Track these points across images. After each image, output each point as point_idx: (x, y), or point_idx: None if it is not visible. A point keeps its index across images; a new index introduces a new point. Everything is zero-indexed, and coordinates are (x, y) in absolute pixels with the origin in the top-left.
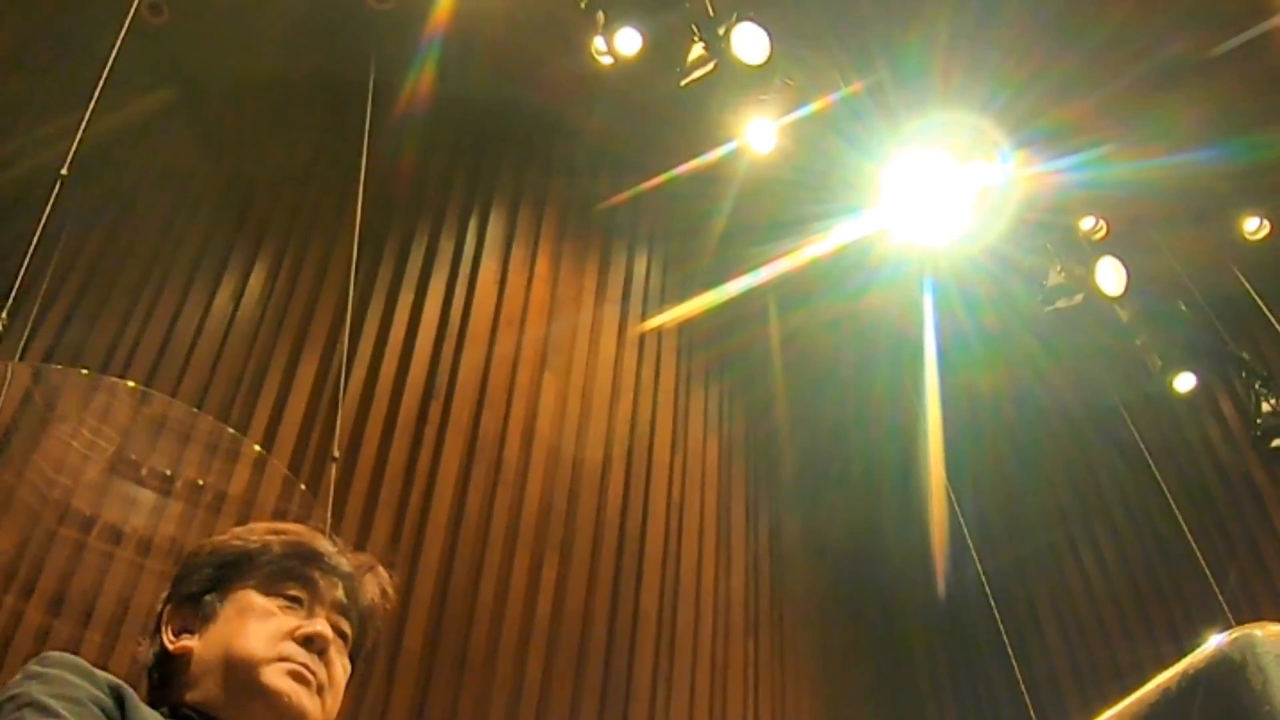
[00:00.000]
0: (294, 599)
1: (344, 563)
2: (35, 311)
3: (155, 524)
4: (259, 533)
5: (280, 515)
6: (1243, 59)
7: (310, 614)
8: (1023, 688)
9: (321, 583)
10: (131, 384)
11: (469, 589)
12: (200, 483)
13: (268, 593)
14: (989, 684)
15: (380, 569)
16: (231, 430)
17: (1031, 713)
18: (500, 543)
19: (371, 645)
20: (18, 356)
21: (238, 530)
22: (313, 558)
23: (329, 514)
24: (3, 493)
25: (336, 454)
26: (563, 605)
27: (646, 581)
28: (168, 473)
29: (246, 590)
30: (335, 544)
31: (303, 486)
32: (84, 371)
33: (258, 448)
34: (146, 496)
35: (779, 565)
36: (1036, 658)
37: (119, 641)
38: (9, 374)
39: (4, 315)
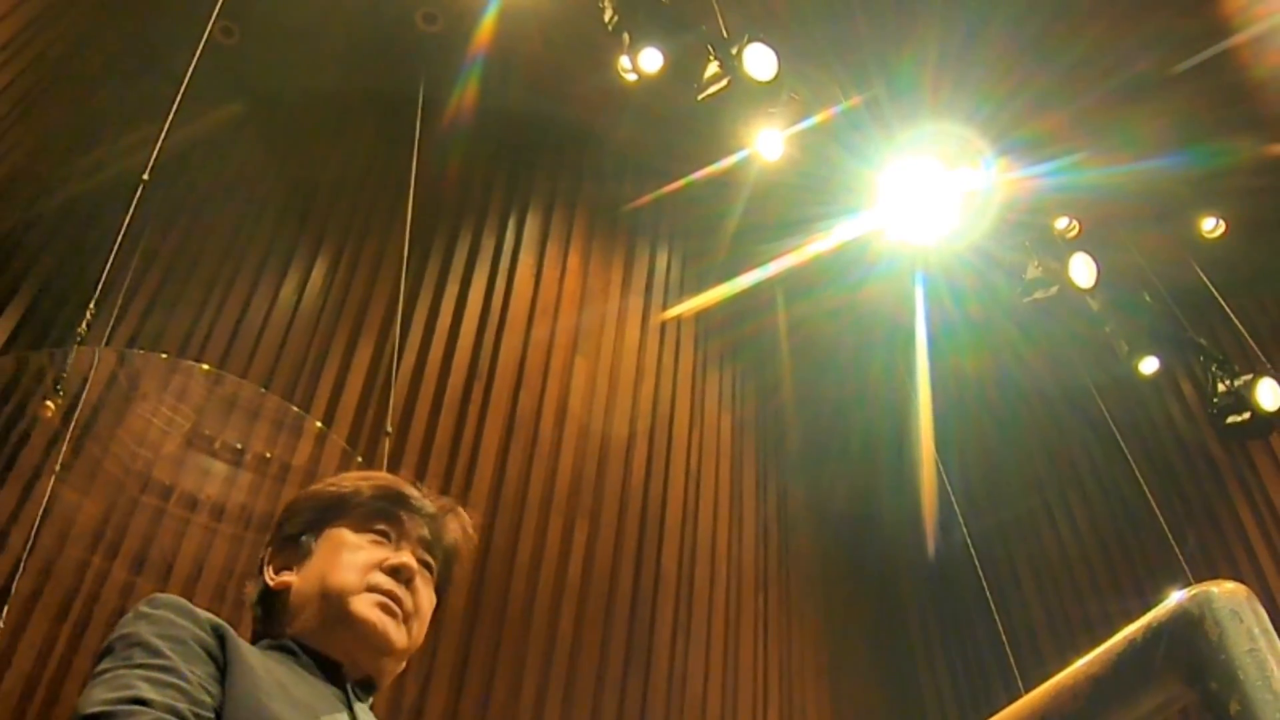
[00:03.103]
0: (383, 533)
1: (428, 504)
2: (120, 302)
3: (227, 492)
4: (351, 479)
5: None
6: (1201, 76)
7: (397, 548)
8: (1004, 638)
9: (407, 521)
10: (206, 367)
11: (508, 551)
12: (267, 455)
13: (358, 530)
14: (974, 635)
15: (461, 510)
16: (295, 408)
17: (1012, 661)
18: (536, 509)
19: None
20: (104, 342)
21: (331, 479)
22: (400, 499)
23: None
24: (91, 464)
25: (389, 430)
26: (592, 565)
27: (667, 544)
28: (238, 446)
29: (340, 529)
30: (420, 489)
31: (359, 459)
32: (163, 356)
33: (319, 424)
34: (219, 468)
35: (786, 529)
36: (1016, 612)
37: (194, 598)
38: (96, 358)
39: (92, 305)
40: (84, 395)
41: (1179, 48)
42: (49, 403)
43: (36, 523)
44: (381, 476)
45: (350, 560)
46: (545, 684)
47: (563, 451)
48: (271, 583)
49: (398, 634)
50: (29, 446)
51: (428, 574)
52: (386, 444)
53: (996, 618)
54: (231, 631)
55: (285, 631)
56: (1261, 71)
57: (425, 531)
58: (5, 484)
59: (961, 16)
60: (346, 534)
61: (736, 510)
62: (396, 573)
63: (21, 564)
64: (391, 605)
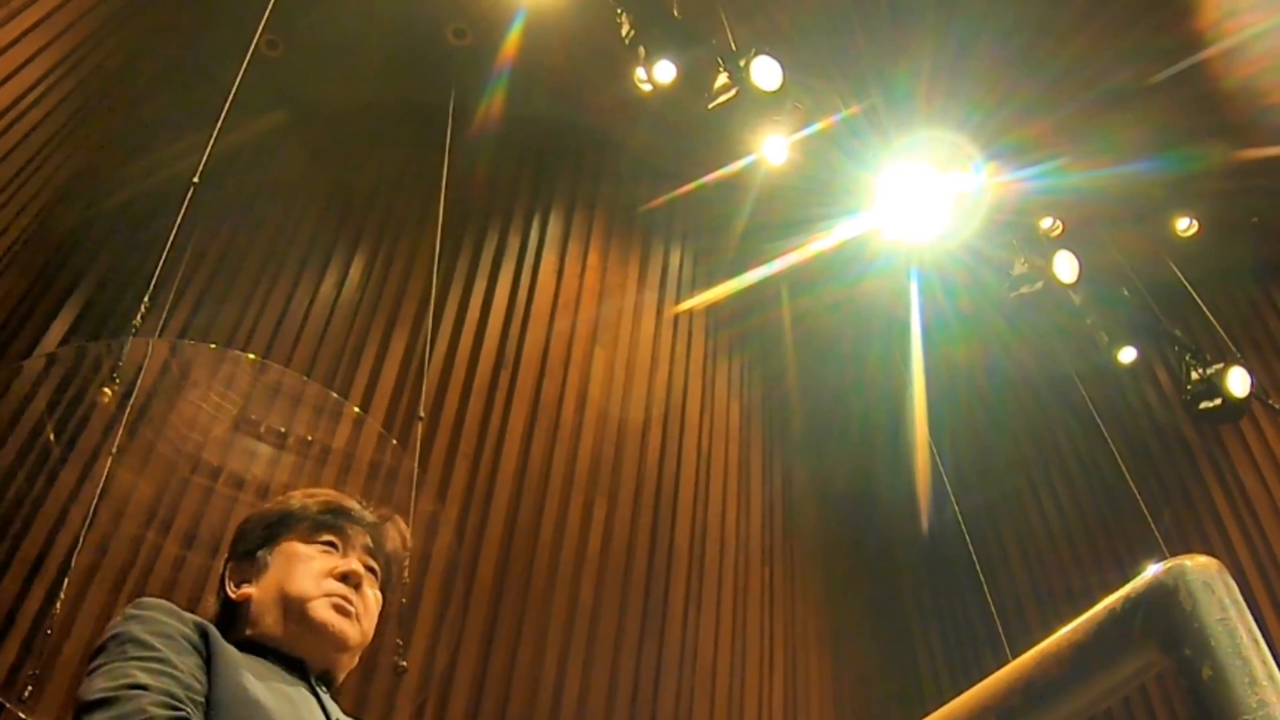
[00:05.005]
0: (330, 544)
1: (368, 515)
2: (172, 296)
3: (272, 473)
4: (297, 497)
5: (375, 466)
6: (1176, 87)
7: (344, 556)
8: (992, 609)
9: (351, 531)
10: (252, 356)
11: (532, 527)
12: (309, 438)
13: (308, 541)
14: (964, 606)
15: (398, 519)
16: (335, 395)
17: (1000, 629)
18: (558, 489)
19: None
20: (157, 333)
21: (278, 498)
22: (342, 512)
23: (415, 464)
24: (145, 447)
25: (422, 415)
26: (610, 540)
27: (680, 521)
28: (282, 430)
29: (291, 542)
30: (360, 501)
31: (394, 441)
32: (212, 346)
33: (356, 409)
34: (264, 450)
35: (790, 507)
36: (1004, 584)
37: None
38: (150, 348)
39: (146, 299)
40: (138, 383)
41: (1155, 60)
42: (106, 389)
43: (94, 501)
44: (325, 492)
45: (305, 570)
46: (567, 651)
47: (583, 435)
48: (234, 595)
49: (352, 630)
50: (88, 430)
51: (373, 577)
52: (419, 428)
53: (985, 589)
54: (214, 629)
55: (248, 636)
56: (1232, 83)
57: (368, 539)
58: (66, 465)
59: (953, 31)
60: (298, 546)
61: (744, 490)
62: (346, 579)
63: (81, 539)
64: (345, 606)
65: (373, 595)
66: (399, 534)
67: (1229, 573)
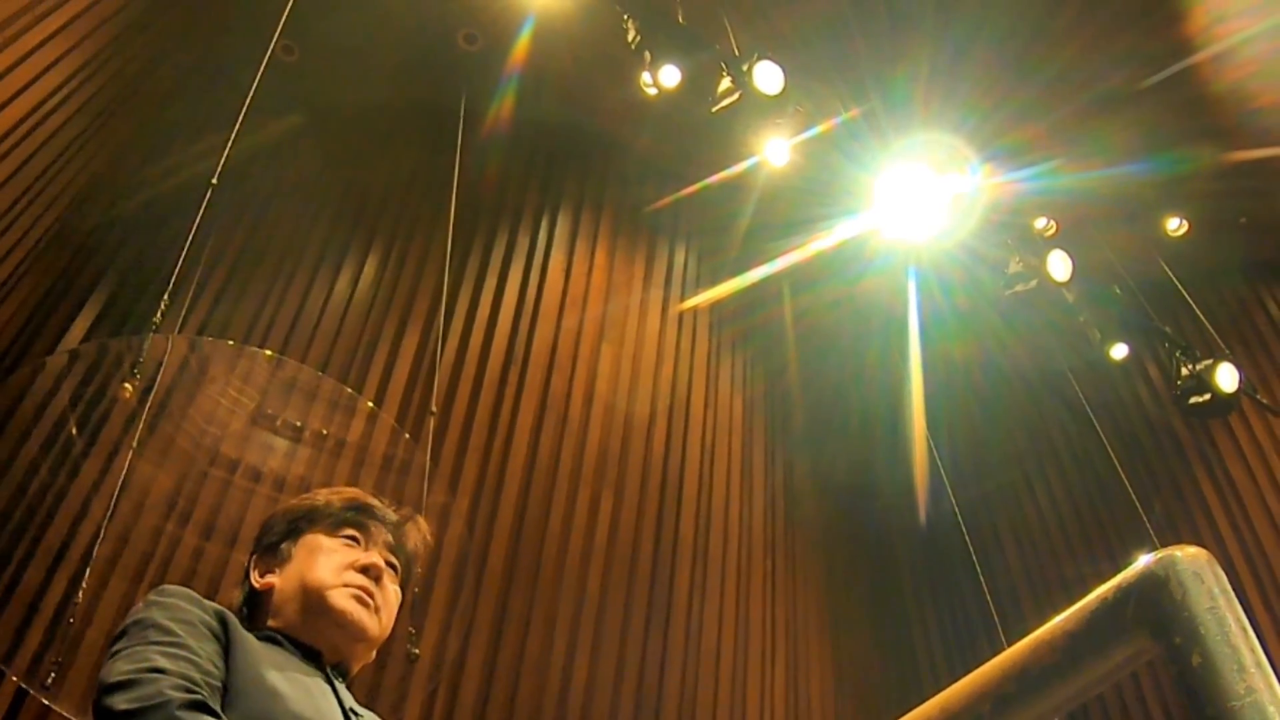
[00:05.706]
0: (352, 538)
1: (391, 514)
2: (191, 294)
3: (288, 466)
4: (322, 494)
5: (389, 460)
6: (1167, 91)
7: (366, 550)
8: (988, 598)
9: (373, 527)
10: (269, 352)
11: (541, 518)
12: (324, 432)
13: (331, 535)
14: (961, 595)
15: (420, 519)
16: (349, 390)
17: (995, 618)
18: (566, 481)
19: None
20: (177, 330)
21: (303, 495)
22: (365, 509)
23: (428, 458)
24: (164, 441)
25: (434, 409)
26: (617, 531)
27: (684, 512)
28: (298, 424)
29: (314, 535)
30: (382, 500)
31: (406, 435)
32: (230, 342)
33: (370, 404)
34: (281, 443)
35: (791, 499)
36: (999, 573)
37: None
38: (170, 344)
39: (166, 297)
40: (158, 378)
41: (1146, 65)
42: (127, 385)
43: (115, 493)
44: (349, 490)
45: (326, 561)
46: (575, 638)
47: (590, 429)
48: (257, 585)
49: (371, 621)
50: (109, 425)
51: (393, 573)
52: (431, 422)
53: (981, 579)
54: (233, 617)
55: (269, 625)
56: (1221, 86)
57: (389, 537)
58: (88, 458)
59: (950, 37)
60: (321, 539)
61: (747, 482)
62: (367, 571)
63: (102, 531)
64: (365, 597)
65: (393, 590)
66: (420, 534)
67: (1218, 563)
